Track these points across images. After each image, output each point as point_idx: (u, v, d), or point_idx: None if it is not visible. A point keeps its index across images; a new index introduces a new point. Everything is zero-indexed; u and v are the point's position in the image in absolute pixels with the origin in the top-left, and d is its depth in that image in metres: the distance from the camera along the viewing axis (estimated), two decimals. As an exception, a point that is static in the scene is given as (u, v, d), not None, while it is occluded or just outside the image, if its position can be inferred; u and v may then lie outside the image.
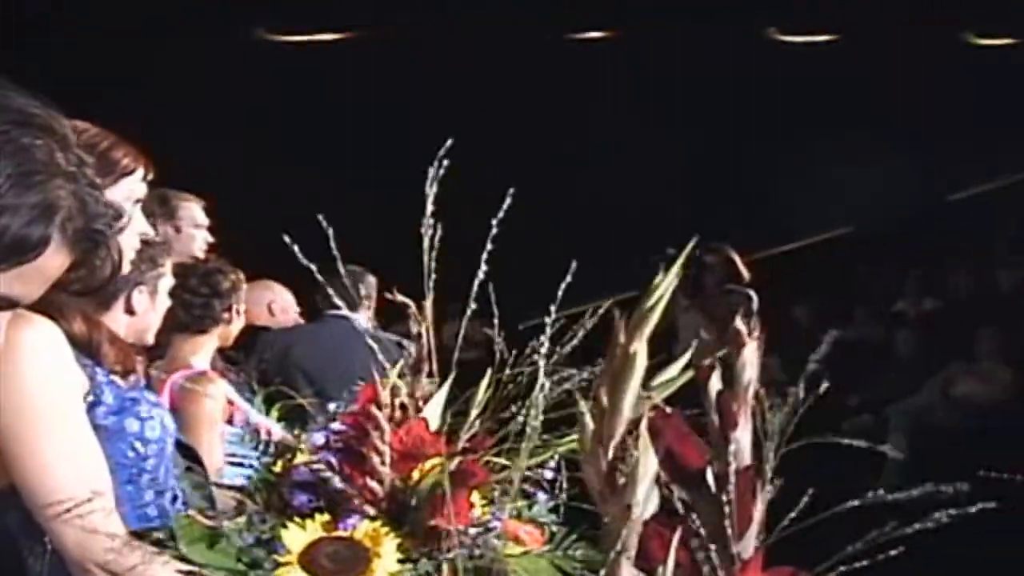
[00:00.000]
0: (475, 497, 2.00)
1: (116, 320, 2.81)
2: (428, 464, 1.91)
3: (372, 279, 5.33)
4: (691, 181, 12.33)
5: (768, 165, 12.16)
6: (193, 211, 4.32)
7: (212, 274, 3.67)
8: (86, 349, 2.00)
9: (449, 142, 1.88)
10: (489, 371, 1.88)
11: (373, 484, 1.86)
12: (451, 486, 1.86)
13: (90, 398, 1.98)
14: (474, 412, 1.87)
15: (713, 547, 1.15)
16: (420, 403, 1.93)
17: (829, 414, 9.41)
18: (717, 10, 12.10)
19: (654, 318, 1.25)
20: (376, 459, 1.83)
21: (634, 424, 1.18)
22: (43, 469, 1.91)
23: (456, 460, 1.88)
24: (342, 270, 1.92)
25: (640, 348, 1.19)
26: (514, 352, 1.87)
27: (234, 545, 1.87)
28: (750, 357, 1.21)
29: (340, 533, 1.86)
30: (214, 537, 1.86)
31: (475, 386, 2.11)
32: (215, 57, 11.87)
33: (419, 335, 1.87)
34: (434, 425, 2.09)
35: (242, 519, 1.89)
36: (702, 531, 1.15)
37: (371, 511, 1.88)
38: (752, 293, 7.56)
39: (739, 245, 11.59)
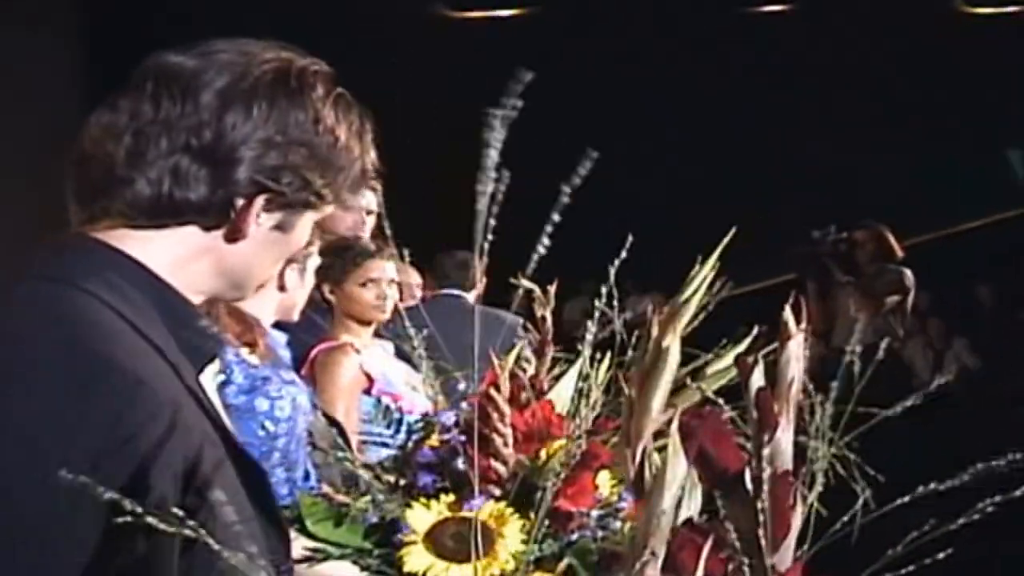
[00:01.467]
0: (604, 478, 1.98)
1: (267, 295, 2.86)
2: (554, 446, 1.90)
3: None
4: (873, 157, 12.01)
5: (952, 142, 11.81)
6: None
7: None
8: None
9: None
10: (608, 353, 1.86)
11: (497, 465, 1.85)
12: (575, 468, 1.85)
13: (220, 377, 1.99)
14: (594, 394, 1.84)
15: (748, 558, 1.06)
16: (545, 384, 1.92)
17: (1011, 398, 9.12)
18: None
19: (689, 311, 1.17)
20: (499, 441, 1.82)
21: (669, 423, 1.10)
22: None
23: (580, 442, 1.86)
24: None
25: (673, 343, 1.11)
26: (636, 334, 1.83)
27: (360, 524, 1.88)
28: (795, 351, 1.11)
29: (465, 514, 1.86)
30: (340, 516, 1.88)
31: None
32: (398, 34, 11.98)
33: (543, 318, 1.85)
34: (563, 406, 2.08)
35: (367, 498, 1.90)
36: (736, 539, 1.07)
37: (496, 492, 1.87)
38: (907, 270, 7.37)
39: (920, 224, 11.30)
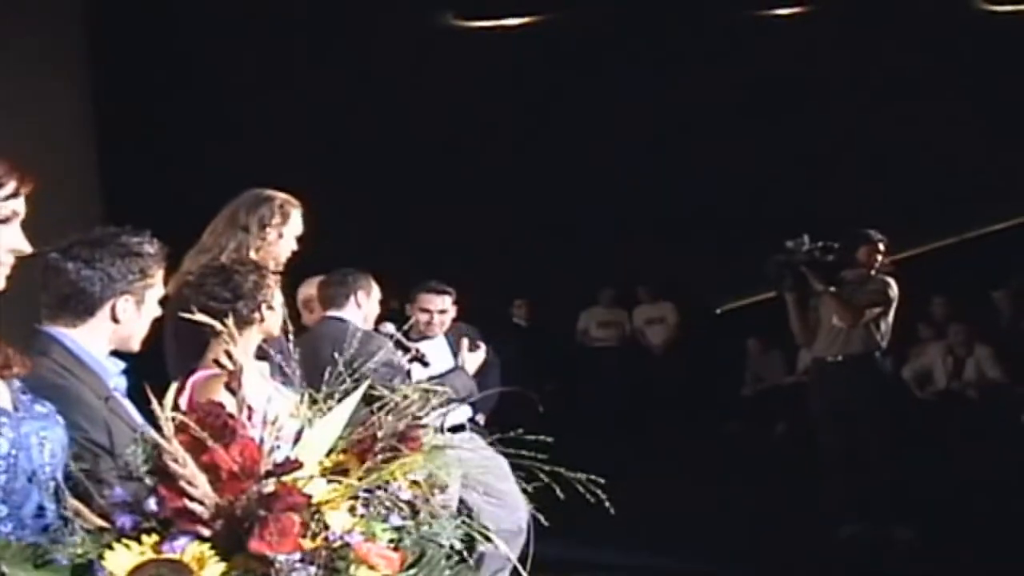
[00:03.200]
0: (339, 518, 1.94)
1: (100, 327, 2.83)
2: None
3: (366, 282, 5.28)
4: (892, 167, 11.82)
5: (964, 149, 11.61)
6: (298, 219, 4.36)
7: (230, 277, 3.62)
8: None
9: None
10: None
11: (193, 505, 1.81)
12: (273, 510, 1.81)
13: None
14: (268, 432, 1.80)
15: None
16: (246, 422, 1.88)
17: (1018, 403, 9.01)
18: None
19: None
20: (182, 480, 1.79)
21: None
22: None
23: (270, 482, 1.82)
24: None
25: None
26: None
27: (62, 566, 1.85)
28: None
29: (168, 555, 1.82)
30: (38, 558, 1.85)
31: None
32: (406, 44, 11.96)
33: (228, 354, 1.81)
34: (327, 442, 2.04)
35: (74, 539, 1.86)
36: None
37: (205, 532, 1.83)
38: (891, 280, 7.16)
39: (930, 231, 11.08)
